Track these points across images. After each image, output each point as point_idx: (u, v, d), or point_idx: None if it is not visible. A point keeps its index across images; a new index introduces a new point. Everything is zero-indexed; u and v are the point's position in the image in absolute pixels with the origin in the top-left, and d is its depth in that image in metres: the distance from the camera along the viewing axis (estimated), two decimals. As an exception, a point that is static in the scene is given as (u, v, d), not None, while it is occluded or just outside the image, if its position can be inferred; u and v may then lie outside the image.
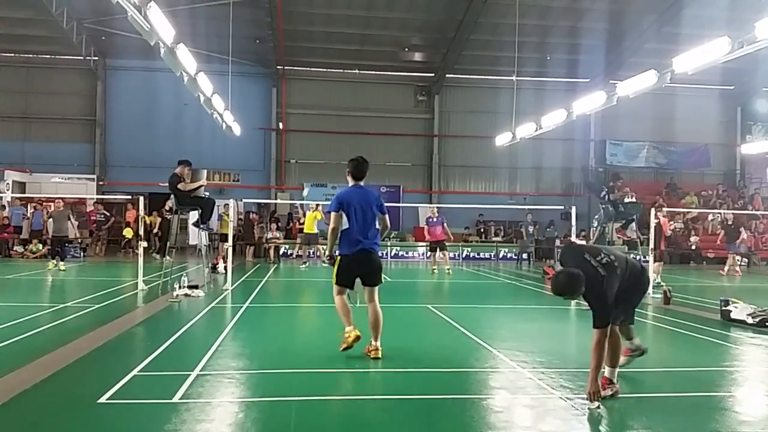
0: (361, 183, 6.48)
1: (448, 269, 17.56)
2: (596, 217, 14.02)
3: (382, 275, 6.49)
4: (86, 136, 25.96)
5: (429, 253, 19.10)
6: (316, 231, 19.23)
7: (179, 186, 11.11)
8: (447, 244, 18.22)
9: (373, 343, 6.19)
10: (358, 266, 6.27)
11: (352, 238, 6.23)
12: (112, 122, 26.12)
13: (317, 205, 19.49)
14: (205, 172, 12.82)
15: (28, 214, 21.01)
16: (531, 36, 23.18)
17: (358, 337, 6.16)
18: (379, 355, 6.10)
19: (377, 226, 6.41)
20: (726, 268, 19.30)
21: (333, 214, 6.38)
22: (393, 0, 22.25)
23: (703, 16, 20.84)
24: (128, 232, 22.35)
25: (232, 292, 11.51)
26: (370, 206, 6.32)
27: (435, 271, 17.63)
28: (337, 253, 6.46)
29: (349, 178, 6.51)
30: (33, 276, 14.87)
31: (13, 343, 6.61)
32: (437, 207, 18.78)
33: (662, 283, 16.14)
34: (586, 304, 4.83)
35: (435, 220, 17.74)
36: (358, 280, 6.38)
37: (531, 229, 22.98)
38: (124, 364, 5.62)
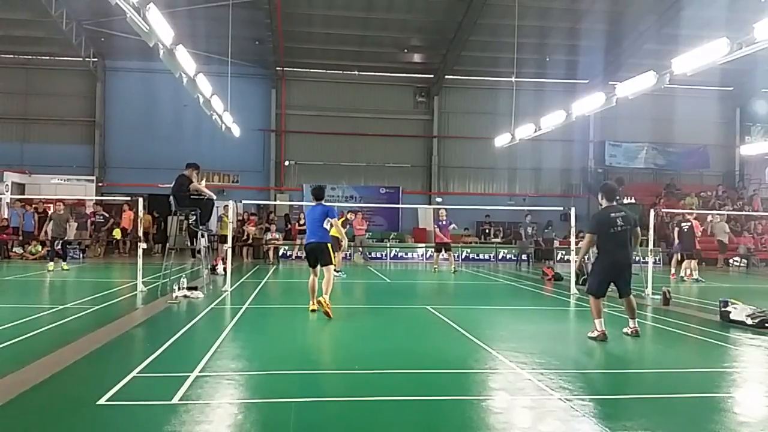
0: (322, 202, 9.51)
1: (454, 269, 18.39)
2: (596, 218, 14.00)
3: (331, 258, 9.29)
4: (85, 138, 25.94)
5: (434, 254, 20.00)
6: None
7: (191, 185, 11.14)
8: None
9: (323, 295, 8.77)
10: (312, 251, 9.32)
11: (307, 234, 9.51)
12: (111, 123, 26.10)
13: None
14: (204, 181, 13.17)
15: (21, 216, 21.11)
16: (530, 37, 23.20)
17: (314, 311, 9.03)
18: (324, 303, 8.65)
19: (325, 226, 9.25)
20: (674, 271, 16.86)
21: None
22: (392, 1, 22.27)
23: (703, 17, 20.86)
24: (117, 233, 22.38)
25: (231, 294, 11.50)
26: (318, 216, 9.25)
27: (436, 269, 18.71)
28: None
29: (313, 199, 9.59)
30: (32, 277, 14.86)
31: (13, 345, 6.61)
32: (446, 209, 19.37)
33: (700, 279, 16.16)
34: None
35: (444, 222, 18.56)
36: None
37: (530, 230, 23.02)
38: (123, 366, 5.61)
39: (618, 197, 13.42)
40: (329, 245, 9.31)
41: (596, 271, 7.87)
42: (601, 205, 7.98)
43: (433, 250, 20.48)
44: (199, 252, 13.37)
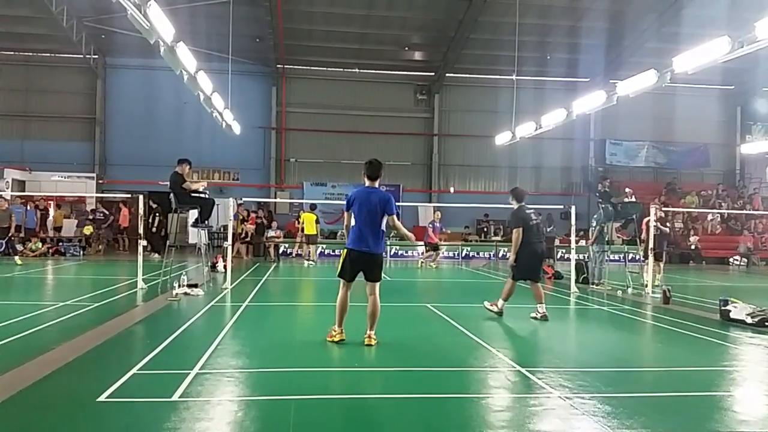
0: (376, 184, 6.91)
1: (421, 264, 20.41)
2: (595, 216, 14.03)
3: (382, 273, 6.90)
4: (86, 135, 25.95)
5: (432, 254, 20.61)
6: (315, 231, 19.70)
7: (184, 185, 11.14)
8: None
9: (368, 332, 6.78)
10: (360, 263, 6.73)
11: (357, 235, 6.70)
12: (111, 121, 26.10)
13: (313, 206, 20.40)
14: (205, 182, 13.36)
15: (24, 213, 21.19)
16: (531, 35, 23.17)
17: (342, 340, 6.80)
18: (373, 342, 6.68)
19: (383, 227, 6.74)
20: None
21: (345, 213, 6.98)
22: (393, -1, 22.27)
23: (704, 15, 20.85)
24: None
25: (231, 291, 11.50)
26: (374, 207, 6.65)
27: (436, 267, 19.82)
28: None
29: (365, 179, 6.99)
30: (32, 274, 14.87)
31: (13, 341, 6.61)
32: (441, 211, 20.91)
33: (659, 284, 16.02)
34: None
35: (438, 224, 20.20)
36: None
37: (548, 229, 22.84)
38: (123, 363, 5.62)
39: (601, 194, 13.90)
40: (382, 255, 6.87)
41: (520, 260, 8.91)
42: (512, 205, 9.16)
43: (426, 250, 20.91)
44: (200, 249, 13.37)
